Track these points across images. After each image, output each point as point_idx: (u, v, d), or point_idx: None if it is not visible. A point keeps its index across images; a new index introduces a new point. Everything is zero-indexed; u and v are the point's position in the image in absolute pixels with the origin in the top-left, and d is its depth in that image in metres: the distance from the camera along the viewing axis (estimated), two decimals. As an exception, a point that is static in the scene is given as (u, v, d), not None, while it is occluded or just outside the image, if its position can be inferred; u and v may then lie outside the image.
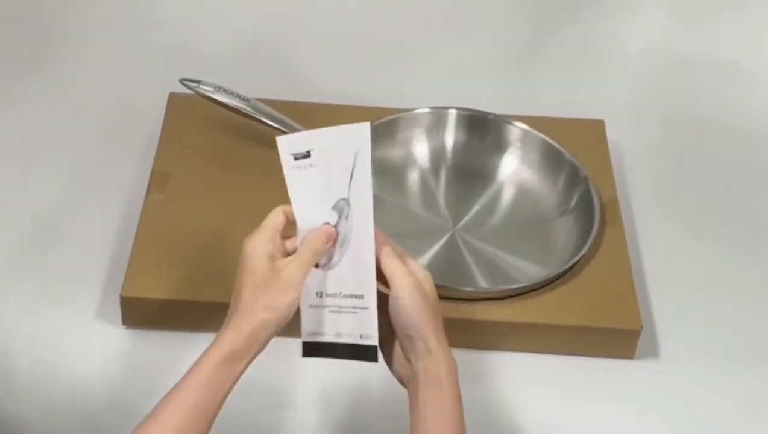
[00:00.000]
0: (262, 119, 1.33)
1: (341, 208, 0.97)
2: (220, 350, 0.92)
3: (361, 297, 0.96)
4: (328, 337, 0.97)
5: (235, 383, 0.92)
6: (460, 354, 1.19)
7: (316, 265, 0.96)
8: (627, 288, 1.24)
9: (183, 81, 1.34)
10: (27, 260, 1.27)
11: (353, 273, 0.96)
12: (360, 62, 1.57)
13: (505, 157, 1.38)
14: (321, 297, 0.97)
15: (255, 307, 0.92)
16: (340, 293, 0.97)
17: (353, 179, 0.96)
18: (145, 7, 1.60)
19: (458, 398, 0.93)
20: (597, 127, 1.44)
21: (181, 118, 1.39)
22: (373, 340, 0.96)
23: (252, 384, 1.16)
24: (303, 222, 0.97)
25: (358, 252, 0.96)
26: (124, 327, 1.21)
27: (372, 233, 0.95)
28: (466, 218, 1.33)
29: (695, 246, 1.35)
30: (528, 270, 1.26)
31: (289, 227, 0.97)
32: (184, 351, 1.17)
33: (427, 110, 1.39)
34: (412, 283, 0.94)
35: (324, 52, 1.58)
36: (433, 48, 1.60)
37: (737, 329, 1.26)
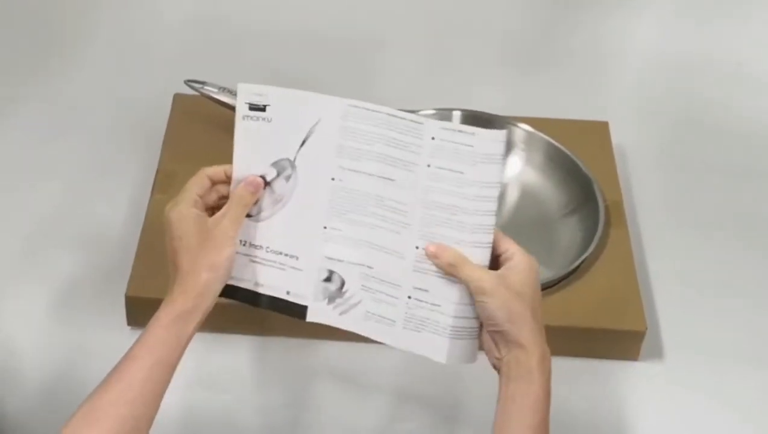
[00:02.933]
0: (267, 120, 1.33)
1: (283, 166, 0.99)
2: (170, 312, 0.94)
3: (295, 257, 0.99)
4: (247, 284, 1.00)
5: (187, 343, 0.94)
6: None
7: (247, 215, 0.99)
8: (631, 290, 1.24)
9: (188, 82, 1.35)
10: (32, 260, 1.28)
11: (287, 233, 0.99)
12: (364, 64, 1.58)
13: (510, 159, 1.38)
14: (245, 245, 1.00)
15: (196, 269, 0.95)
16: (267, 247, 1.00)
17: (305, 145, 0.98)
18: (150, 8, 1.60)
19: (547, 393, 0.93)
20: (601, 129, 1.44)
21: (186, 118, 1.39)
22: (303, 300, 0.99)
23: (252, 385, 1.17)
24: (238, 172, 0.99)
25: (298, 216, 0.99)
26: (129, 327, 1.21)
27: (324, 207, 0.98)
28: (471, 219, 1.33)
29: (700, 247, 1.35)
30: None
31: (215, 189, 0.99)
32: (189, 352, 1.17)
33: (432, 111, 1.39)
34: (490, 285, 0.93)
35: (328, 54, 1.58)
36: (438, 49, 1.60)
37: (742, 331, 1.26)
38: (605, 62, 1.60)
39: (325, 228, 0.99)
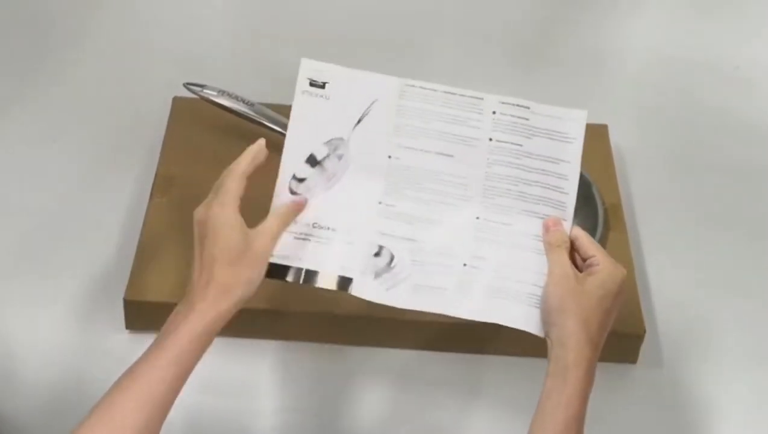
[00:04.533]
0: (266, 123, 1.33)
1: (336, 146, 1.00)
2: (199, 324, 0.93)
3: (344, 232, 1.00)
4: (292, 261, 1.00)
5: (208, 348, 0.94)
6: (461, 360, 1.20)
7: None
8: (630, 293, 1.24)
9: (187, 85, 1.35)
10: (30, 263, 1.28)
11: (338, 209, 1.00)
12: (364, 65, 1.57)
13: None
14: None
15: (234, 284, 0.94)
16: (314, 223, 1.01)
17: (361, 124, 1.00)
18: (149, 11, 1.61)
19: (581, 393, 0.93)
20: (600, 132, 1.44)
21: (185, 121, 1.39)
22: (350, 273, 0.99)
23: (264, 390, 1.17)
24: (291, 147, 1.01)
25: (350, 193, 1.00)
26: (128, 330, 1.21)
27: (380, 184, 0.99)
28: (470, 222, 1.33)
29: (699, 250, 1.35)
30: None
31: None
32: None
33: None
34: (561, 270, 0.96)
35: (327, 55, 1.57)
36: (436, 51, 1.60)
37: (741, 334, 1.26)
38: (604, 65, 1.60)
39: (380, 203, 1.00)
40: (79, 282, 1.25)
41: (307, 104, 1.01)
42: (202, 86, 1.34)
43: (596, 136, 1.43)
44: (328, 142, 1.00)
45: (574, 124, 1.01)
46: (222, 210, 0.95)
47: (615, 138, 1.44)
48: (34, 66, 1.54)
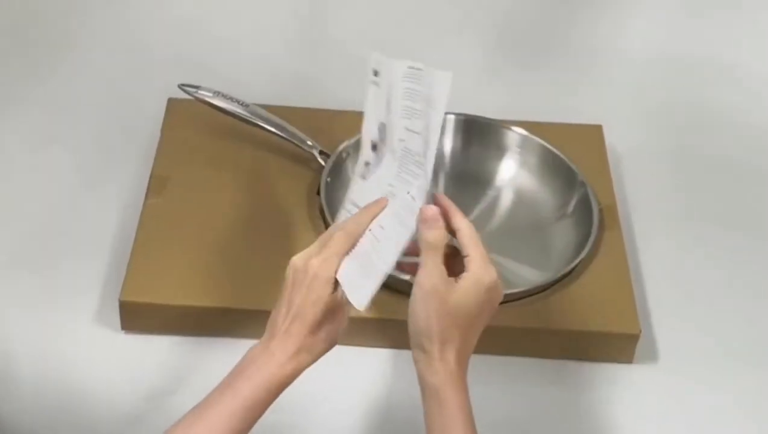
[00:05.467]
0: (261, 124, 1.33)
1: (381, 129, 1.02)
2: (276, 377, 0.91)
3: (382, 228, 0.98)
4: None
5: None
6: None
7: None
8: (625, 293, 1.24)
9: (182, 86, 1.34)
10: (26, 264, 1.27)
11: (373, 195, 0.99)
12: (359, 67, 1.57)
13: (504, 162, 1.38)
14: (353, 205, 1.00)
15: (316, 342, 0.92)
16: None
17: (391, 109, 1.01)
18: (144, 12, 1.60)
19: (460, 407, 0.90)
20: (595, 132, 1.44)
21: (180, 122, 1.39)
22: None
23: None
24: (366, 134, 1.02)
25: (378, 178, 1.01)
26: (124, 331, 1.21)
27: (394, 167, 0.99)
28: (465, 223, 1.33)
29: (694, 250, 1.35)
30: (526, 274, 1.26)
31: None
32: (184, 356, 1.18)
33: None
34: (430, 286, 0.90)
35: (323, 57, 1.58)
36: (431, 52, 1.58)
37: (736, 333, 1.26)
38: (599, 65, 1.60)
39: (390, 186, 1.00)
40: (74, 283, 1.25)
41: (371, 93, 1.03)
42: (197, 87, 1.34)
43: (591, 137, 1.44)
44: (379, 126, 1.02)
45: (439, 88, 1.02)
46: (322, 264, 0.92)
47: (610, 138, 1.44)
48: (28, 67, 1.53)
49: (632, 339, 1.21)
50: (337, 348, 0.95)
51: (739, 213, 1.42)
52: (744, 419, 1.19)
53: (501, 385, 1.19)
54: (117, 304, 1.19)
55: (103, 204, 1.34)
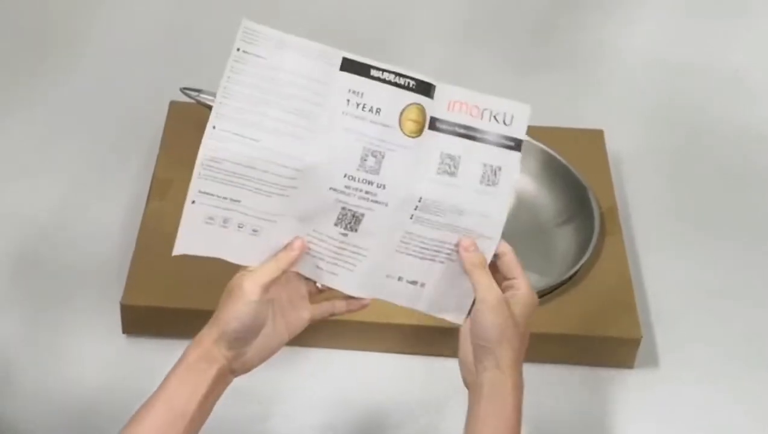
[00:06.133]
0: (263, 128, 1.33)
1: None
2: (183, 361, 0.93)
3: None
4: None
5: (210, 394, 0.93)
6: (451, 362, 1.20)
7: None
8: (627, 297, 1.24)
9: (184, 90, 1.34)
10: (28, 267, 1.28)
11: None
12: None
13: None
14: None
15: (215, 320, 0.94)
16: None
17: None
18: (146, 16, 1.61)
19: (518, 419, 0.94)
20: (596, 137, 1.44)
21: (182, 126, 1.39)
22: None
23: (251, 391, 1.17)
24: None
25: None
26: (125, 334, 1.21)
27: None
28: (466, 227, 1.33)
29: (695, 254, 1.36)
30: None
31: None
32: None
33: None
34: (495, 297, 0.94)
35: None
36: (432, 56, 1.60)
37: (737, 338, 1.26)
38: (601, 70, 1.60)
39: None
40: (76, 285, 1.25)
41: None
42: (198, 91, 1.34)
43: (592, 141, 1.44)
44: None
45: None
46: (243, 279, 0.95)
47: (611, 142, 1.44)
48: (31, 69, 1.53)
49: (633, 343, 1.21)
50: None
51: (740, 217, 1.42)
52: (745, 422, 1.19)
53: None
54: (118, 307, 1.19)
55: (105, 207, 1.34)
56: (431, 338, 1.20)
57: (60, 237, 1.31)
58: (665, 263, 1.34)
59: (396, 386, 1.19)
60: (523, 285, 0.97)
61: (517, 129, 0.97)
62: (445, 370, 1.19)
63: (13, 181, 1.38)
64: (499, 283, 0.96)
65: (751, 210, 1.43)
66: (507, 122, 0.97)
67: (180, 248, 0.97)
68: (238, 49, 0.96)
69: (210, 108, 1.34)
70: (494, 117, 0.97)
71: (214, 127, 0.96)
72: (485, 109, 0.97)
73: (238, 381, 1.17)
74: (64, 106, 1.49)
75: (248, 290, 0.94)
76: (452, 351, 1.19)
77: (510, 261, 0.97)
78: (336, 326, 1.19)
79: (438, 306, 0.99)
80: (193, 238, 0.97)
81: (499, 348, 0.94)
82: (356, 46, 1.61)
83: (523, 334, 0.95)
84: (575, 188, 1.34)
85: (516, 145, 0.97)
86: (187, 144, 1.38)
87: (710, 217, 1.41)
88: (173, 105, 1.42)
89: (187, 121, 1.40)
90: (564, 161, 1.35)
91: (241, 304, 0.94)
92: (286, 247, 0.96)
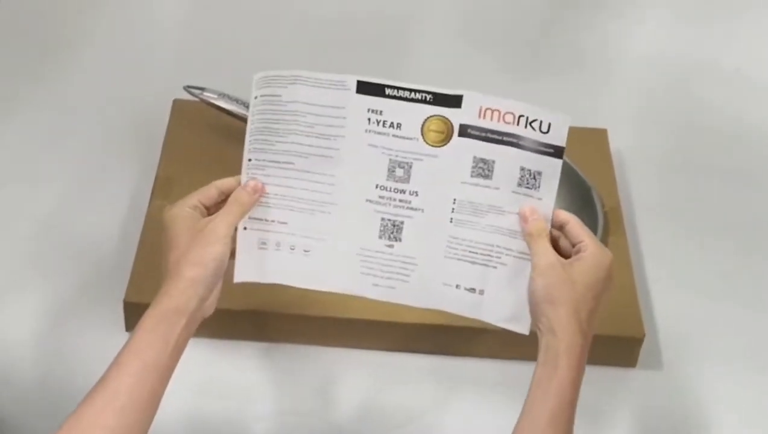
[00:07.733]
0: (266, 126, 1.34)
1: None
2: (153, 313, 0.92)
3: None
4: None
5: (178, 345, 0.92)
6: (461, 363, 1.20)
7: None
8: (629, 297, 1.24)
9: (187, 88, 1.35)
10: (30, 265, 1.28)
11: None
12: (363, 68, 1.56)
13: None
14: None
15: (180, 267, 0.94)
16: None
17: None
18: (149, 14, 1.61)
19: (572, 382, 0.93)
20: (600, 136, 1.44)
21: (185, 124, 1.40)
22: None
23: (251, 390, 1.17)
24: None
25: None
26: (128, 333, 1.21)
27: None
28: (469, 226, 1.33)
29: (698, 254, 1.36)
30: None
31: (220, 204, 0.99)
32: (186, 357, 1.17)
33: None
34: (546, 262, 0.95)
35: (327, 58, 1.58)
36: (436, 54, 1.60)
37: (740, 337, 1.27)
38: (604, 69, 1.60)
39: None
40: (79, 283, 1.25)
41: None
42: (202, 89, 1.35)
43: (596, 140, 1.44)
44: None
45: None
46: (171, 210, 0.97)
47: (614, 142, 1.44)
48: (34, 68, 1.54)
49: (636, 343, 1.21)
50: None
51: (744, 217, 1.42)
52: (746, 423, 1.19)
53: (504, 389, 1.19)
54: (121, 305, 1.20)
55: (108, 205, 1.34)
56: (433, 337, 1.20)
57: (63, 235, 1.31)
58: (668, 262, 1.34)
59: (397, 385, 1.19)
60: (591, 245, 0.96)
61: (556, 137, 0.99)
62: (448, 369, 1.20)
63: (16, 179, 1.38)
64: (567, 252, 0.97)
65: (757, 209, 1.43)
66: (544, 130, 0.99)
67: (240, 276, 1.01)
68: (256, 97, 1.00)
69: (214, 106, 1.35)
70: (530, 124, 0.99)
71: (249, 160, 1.00)
72: (521, 116, 0.98)
73: (238, 381, 1.18)
74: (67, 104, 1.49)
75: (224, 233, 0.95)
76: (454, 350, 1.21)
77: (573, 227, 0.98)
78: (338, 325, 1.19)
79: (502, 316, 1.01)
80: (250, 265, 1.01)
81: (550, 309, 0.94)
82: (357, 48, 1.62)
83: (583, 295, 0.94)
84: (578, 187, 1.33)
85: (556, 152, 0.99)
86: (191, 142, 1.39)
87: (714, 216, 1.41)
88: (176, 103, 1.42)
89: (190, 119, 1.40)
90: (567, 160, 1.35)
91: (219, 246, 0.95)
92: (245, 189, 0.99)
